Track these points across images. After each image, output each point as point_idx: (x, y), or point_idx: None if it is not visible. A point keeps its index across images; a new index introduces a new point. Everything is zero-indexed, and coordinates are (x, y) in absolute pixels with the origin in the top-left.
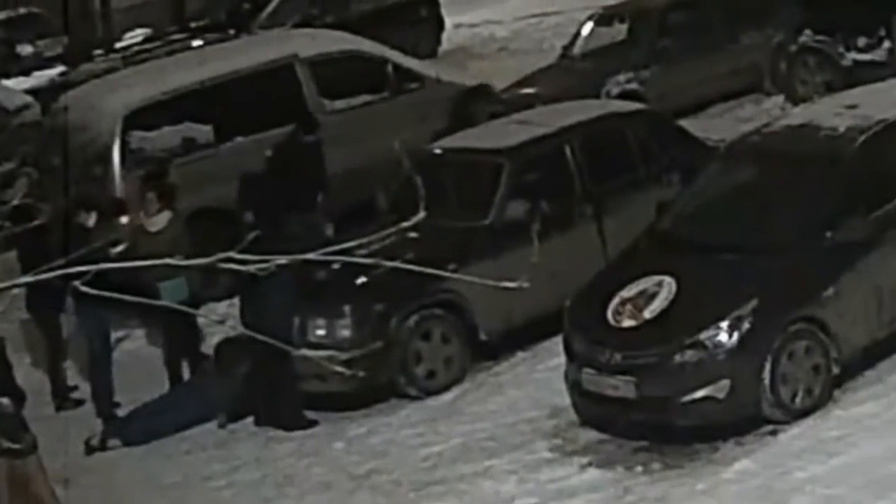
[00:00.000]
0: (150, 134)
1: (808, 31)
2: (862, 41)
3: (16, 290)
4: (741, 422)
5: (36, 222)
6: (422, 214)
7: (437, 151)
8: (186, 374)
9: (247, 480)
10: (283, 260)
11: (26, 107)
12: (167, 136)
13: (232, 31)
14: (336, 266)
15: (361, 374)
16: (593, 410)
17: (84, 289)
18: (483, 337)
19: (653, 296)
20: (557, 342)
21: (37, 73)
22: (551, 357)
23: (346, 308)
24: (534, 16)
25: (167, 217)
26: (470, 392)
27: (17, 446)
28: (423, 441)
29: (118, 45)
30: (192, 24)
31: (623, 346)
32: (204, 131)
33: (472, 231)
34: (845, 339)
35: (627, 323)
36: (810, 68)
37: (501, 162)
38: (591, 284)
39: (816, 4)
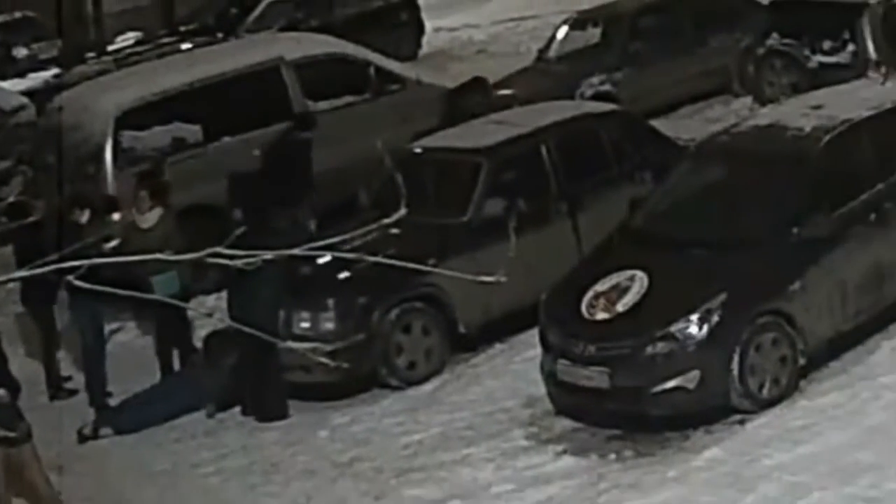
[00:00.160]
0: (141, 133)
1: (774, 35)
2: (827, 44)
3: (11, 284)
4: (710, 411)
5: (31, 219)
6: (403, 211)
7: (418, 151)
8: (177, 365)
9: (234, 467)
10: (269, 255)
11: (22, 107)
12: (158, 135)
13: (220, 35)
14: (320, 261)
15: (345, 365)
16: (568, 400)
17: (77, 283)
18: (462, 329)
19: (625, 290)
20: (533, 334)
21: (32, 75)
22: (527, 349)
23: (330, 301)
24: (511, 20)
25: (158, 214)
26: (449, 382)
27: (12, 435)
28: (403, 430)
29: (110, 48)
30: (182, 28)
31: (597, 338)
32: (193, 131)
33: (451, 227)
34: (811, 332)
35: (601, 316)
36: (777, 70)
37: (480, 161)
38: (566, 279)
39: (783, 9)
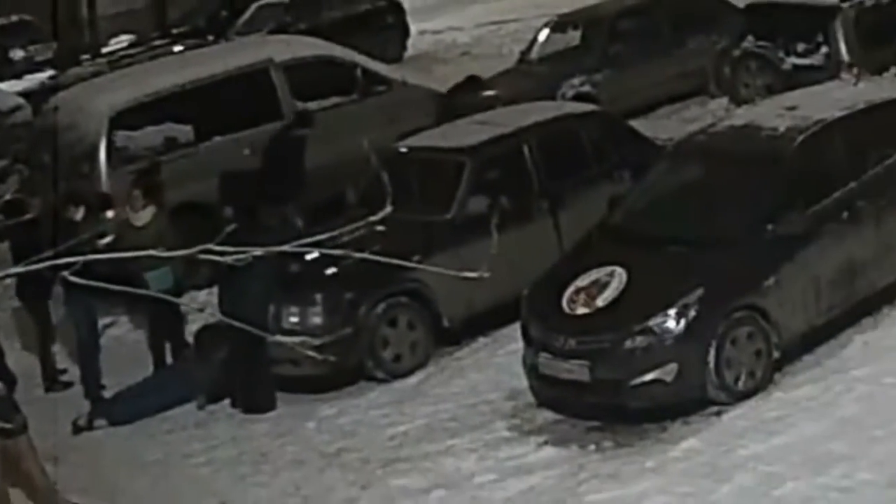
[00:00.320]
0: (134, 133)
1: (750, 38)
2: (801, 46)
3: (7, 280)
4: (688, 403)
5: (27, 216)
6: (388, 209)
7: (403, 150)
8: (169, 359)
9: (224, 458)
10: (259, 252)
11: (18, 108)
12: (150, 135)
13: (211, 38)
14: (308, 257)
15: (332, 358)
16: (549, 392)
17: (72, 278)
18: (446, 323)
19: (605, 285)
20: (516, 328)
21: (28, 77)
22: (510, 342)
23: (318, 296)
24: (494, 23)
25: (152, 212)
26: (434, 375)
27: (8, 426)
28: (389, 421)
29: (104, 50)
30: (174, 31)
31: (577, 332)
32: (185, 131)
33: (435, 225)
34: (785, 326)
35: (581, 310)
36: (752, 72)
37: (463, 160)
38: (548, 274)
39: (758, 12)
